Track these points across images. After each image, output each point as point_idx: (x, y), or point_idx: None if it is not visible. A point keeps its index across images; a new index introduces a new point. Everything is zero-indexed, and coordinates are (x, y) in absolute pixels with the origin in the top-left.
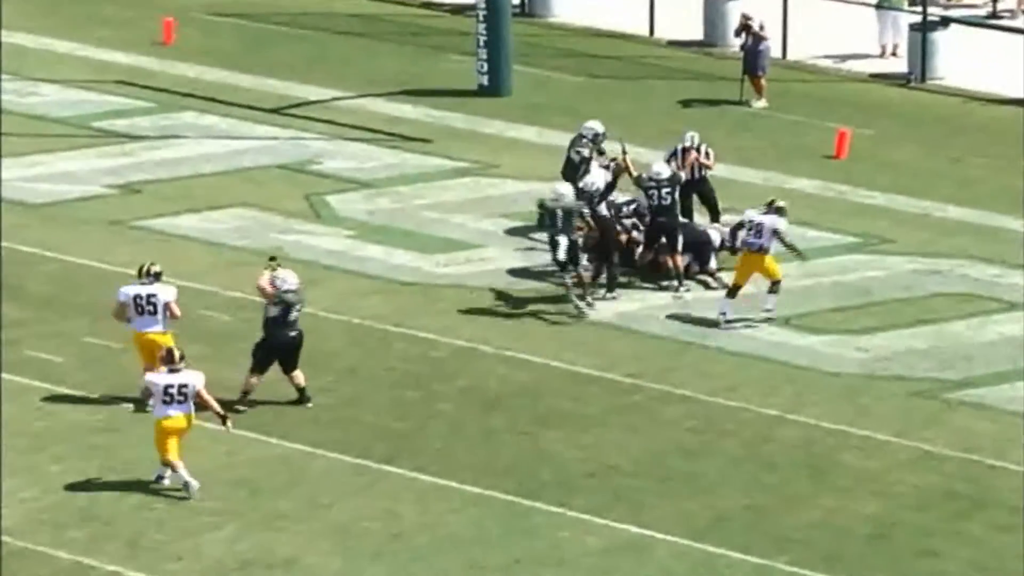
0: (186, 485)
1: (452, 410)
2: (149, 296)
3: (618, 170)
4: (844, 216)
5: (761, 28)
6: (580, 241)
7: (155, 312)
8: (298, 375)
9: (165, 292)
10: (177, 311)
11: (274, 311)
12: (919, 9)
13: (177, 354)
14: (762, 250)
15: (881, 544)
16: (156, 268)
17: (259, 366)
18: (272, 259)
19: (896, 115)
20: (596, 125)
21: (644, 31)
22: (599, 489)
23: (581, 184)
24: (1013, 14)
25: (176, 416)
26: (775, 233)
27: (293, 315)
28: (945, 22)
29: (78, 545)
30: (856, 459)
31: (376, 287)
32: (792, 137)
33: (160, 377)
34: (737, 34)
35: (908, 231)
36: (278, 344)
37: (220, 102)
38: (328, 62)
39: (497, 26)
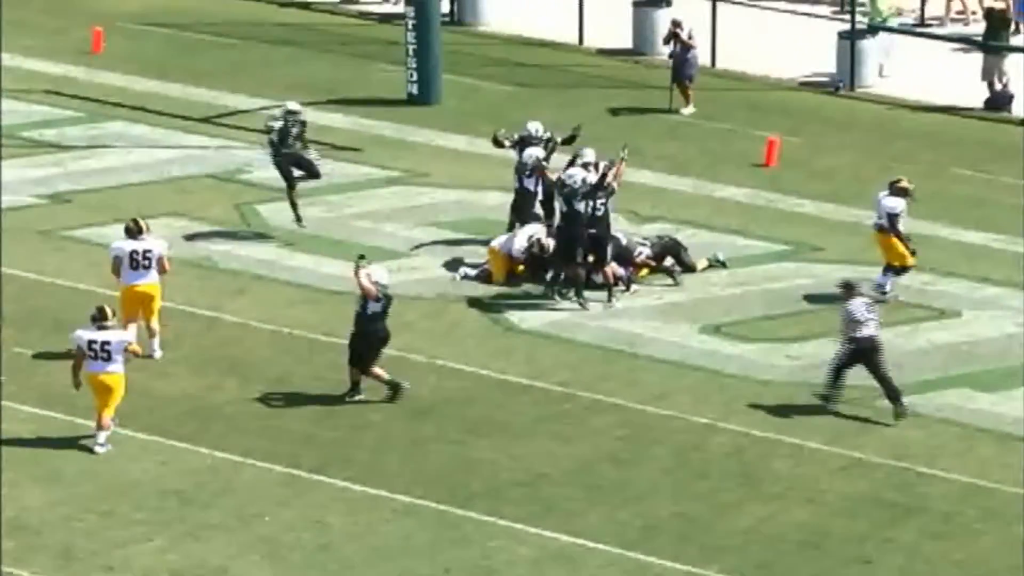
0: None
1: (382, 419)
2: (145, 251)
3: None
4: (773, 224)
5: (690, 36)
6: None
7: (149, 266)
8: (379, 369)
9: (158, 245)
10: (167, 265)
11: (376, 306)
12: (847, 17)
13: (108, 312)
14: (880, 229)
15: (813, 552)
16: (143, 222)
17: (367, 361)
18: (361, 257)
19: (825, 123)
20: (531, 126)
21: (574, 40)
22: (530, 498)
23: (563, 176)
24: (941, 22)
25: (98, 373)
26: (889, 215)
27: (389, 309)
28: (873, 30)
29: (7, 556)
30: (787, 467)
31: (306, 296)
32: (721, 145)
33: (86, 332)
34: (666, 42)
35: (837, 239)
36: (377, 338)
37: (149, 111)
38: (257, 71)
39: (426, 35)
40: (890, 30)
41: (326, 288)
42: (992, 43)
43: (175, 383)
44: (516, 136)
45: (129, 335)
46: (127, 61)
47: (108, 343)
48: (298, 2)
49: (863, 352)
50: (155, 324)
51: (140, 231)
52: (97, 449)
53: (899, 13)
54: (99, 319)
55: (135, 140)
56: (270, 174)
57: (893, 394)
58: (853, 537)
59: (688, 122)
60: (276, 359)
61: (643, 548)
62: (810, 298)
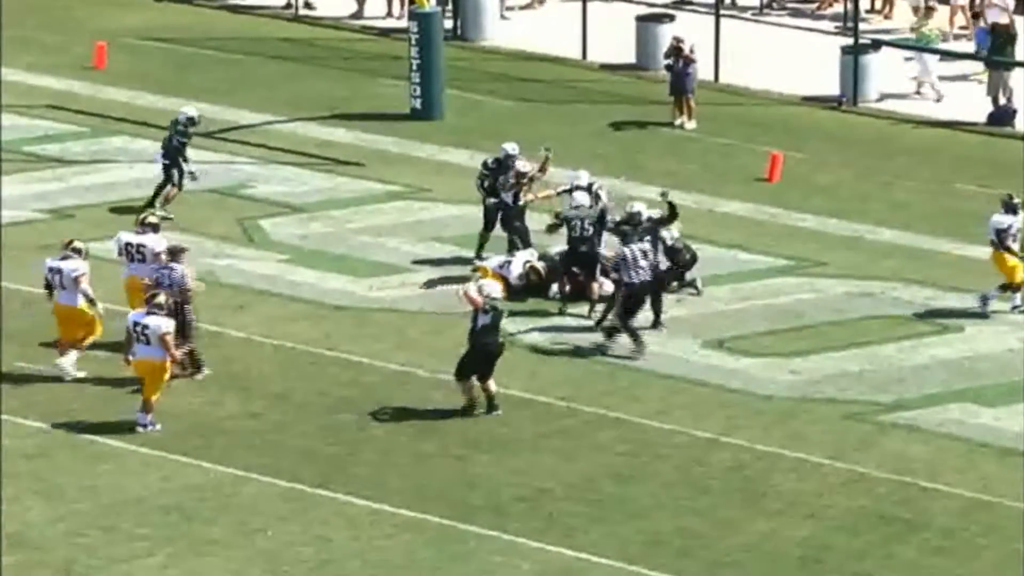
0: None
1: (384, 434)
2: (139, 245)
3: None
4: (775, 239)
5: (691, 51)
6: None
7: (144, 260)
8: (491, 384)
9: (155, 242)
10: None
11: (484, 319)
12: (850, 32)
13: (160, 299)
14: (992, 245)
15: (814, 568)
16: (153, 219)
17: (467, 375)
18: (475, 270)
19: (827, 138)
20: (508, 147)
21: (577, 55)
22: (532, 513)
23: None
24: (944, 37)
25: (140, 357)
26: (997, 230)
27: (501, 323)
28: (876, 45)
29: (9, 572)
30: (789, 482)
31: (309, 311)
32: (723, 160)
33: (135, 314)
34: (667, 56)
35: (839, 254)
36: (486, 351)
37: (152, 126)
38: (259, 86)
39: (429, 50)
40: (895, 45)
41: (328, 303)
42: (998, 58)
43: (177, 398)
44: (492, 161)
45: (169, 322)
46: (130, 76)
47: (147, 327)
48: (301, 17)
49: (638, 295)
50: None
51: (140, 224)
52: (139, 428)
53: (943, 35)
54: (148, 302)
55: (137, 155)
56: (272, 189)
57: (656, 319)
58: (854, 553)
59: (690, 137)
60: (278, 374)
61: (645, 563)
62: (812, 313)
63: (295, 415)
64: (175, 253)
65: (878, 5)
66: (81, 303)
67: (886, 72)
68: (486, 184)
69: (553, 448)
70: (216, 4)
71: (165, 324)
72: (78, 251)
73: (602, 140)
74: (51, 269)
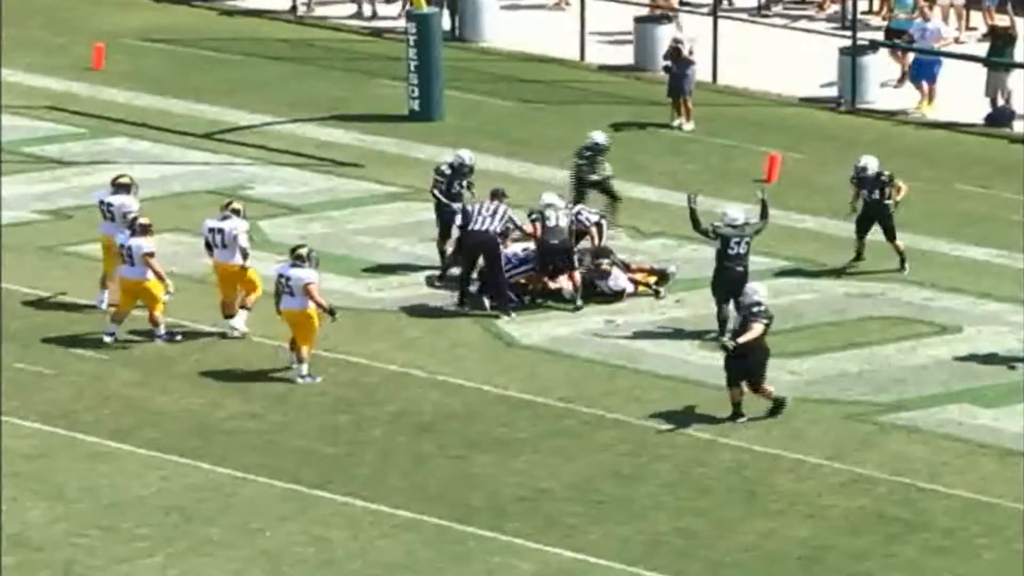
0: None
1: (384, 435)
2: (219, 230)
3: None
4: (775, 240)
5: (690, 52)
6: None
7: (225, 246)
8: (767, 387)
9: (233, 226)
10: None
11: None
12: (848, 33)
13: (304, 252)
14: None
15: (814, 568)
16: (236, 205)
17: (732, 381)
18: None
19: (826, 139)
20: (463, 154)
21: (575, 55)
22: (532, 514)
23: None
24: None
25: (285, 309)
26: None
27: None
28: (875, 46)
29: (9, 572)
30: (789, 483)
31: None
32: (723, 161)
33: (279, 267)
34: (666, 57)
35: (839, 255)
36: (743, 355)
37: (151, 127)
38: (258, 87)
39: (428, 51)
40: (893, 46)
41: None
42: (996, 59)
43: (177, 399)
44: (447, 168)
45: (311, 274)
46: (129, 77)
47: (289, 279)
48: (300, 18)
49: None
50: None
51: (125, 188)
52: (298, 379)
53: None
54: (294, 252)
55: (137, 156)
56: (271, 190)
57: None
58: (855, 553)
59: (690, 138)
60: (278, 375)
61: (645, 564)
62: (811, 313)
63: (295, 416)
64: (497, 194)
65: (876, 6)
66: (238, 260)
67: (885, 73)
68: (447, 190)
69: (553, 449)
70: (215, 5)
71: (310, 276)
72: (237, 212)
73: None
74: (211, 229)
